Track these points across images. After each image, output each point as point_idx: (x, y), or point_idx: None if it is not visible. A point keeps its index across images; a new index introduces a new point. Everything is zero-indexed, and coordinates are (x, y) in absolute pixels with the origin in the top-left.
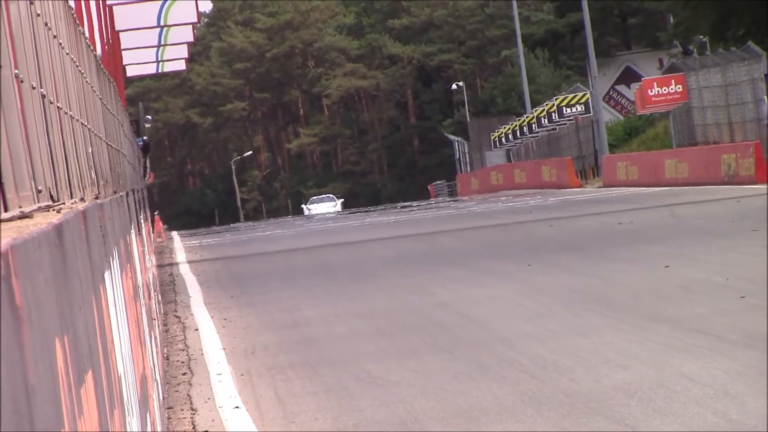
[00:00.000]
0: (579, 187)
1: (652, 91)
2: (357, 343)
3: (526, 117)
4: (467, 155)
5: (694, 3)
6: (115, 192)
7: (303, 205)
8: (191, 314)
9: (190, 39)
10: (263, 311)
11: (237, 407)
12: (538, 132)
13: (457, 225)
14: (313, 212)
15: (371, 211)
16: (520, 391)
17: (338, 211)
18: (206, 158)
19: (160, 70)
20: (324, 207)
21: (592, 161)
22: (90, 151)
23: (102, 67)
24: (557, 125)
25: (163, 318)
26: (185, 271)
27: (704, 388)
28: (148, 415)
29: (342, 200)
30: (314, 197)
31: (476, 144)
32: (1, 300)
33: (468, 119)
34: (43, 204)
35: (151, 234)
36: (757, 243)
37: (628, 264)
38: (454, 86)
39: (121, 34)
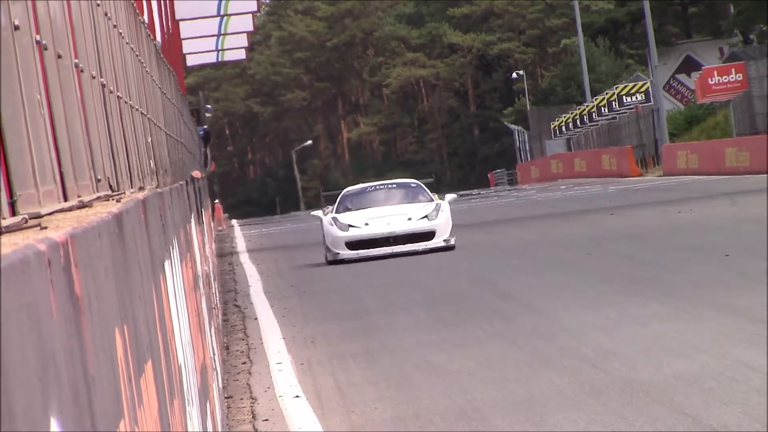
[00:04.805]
0: (639, 175)
1: (712, 80)
2: (418, 332)
3: (587, 106)
4: (527, 144)
5: None
6: (174, 181)
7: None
8: (251, 303)
9: (250, 28)
10: (323, 300)
11: (297, 396)
12: (598, 121)
13: (518, 214)
14: (357, 236)
15: None
16: (580, 380)
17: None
18: (267, 147)
19: (220, 60)
20: (383, 220)
21: (653, 150)
22: (149, 140)
23: (162, 56)
24: (617, 114)
25: (222, 307)
26: (245, 260)
27: (765, 377)
28: (208, 405)
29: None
30: (353, 188)
31: (536, 133)
32: (58, 290)
33: (528, 108)
34: (102, 193)
35: (212, 223)
36: None
37: (689, 252)
38: (514, 75)
39: (181, 23)
